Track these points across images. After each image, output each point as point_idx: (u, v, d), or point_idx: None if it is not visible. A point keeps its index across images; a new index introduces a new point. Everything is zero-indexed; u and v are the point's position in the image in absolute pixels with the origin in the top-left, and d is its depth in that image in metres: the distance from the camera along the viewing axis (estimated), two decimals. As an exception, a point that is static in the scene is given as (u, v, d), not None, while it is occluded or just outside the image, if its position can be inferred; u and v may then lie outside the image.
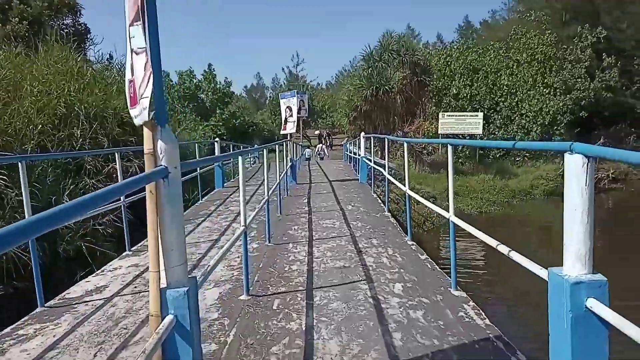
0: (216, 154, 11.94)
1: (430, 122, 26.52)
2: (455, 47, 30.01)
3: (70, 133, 9.99)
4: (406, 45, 21.23)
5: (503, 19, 51.81)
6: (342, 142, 48.40)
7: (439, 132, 25.11)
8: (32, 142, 8.74)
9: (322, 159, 29.34)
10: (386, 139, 8.82)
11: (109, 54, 22.65)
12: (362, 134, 11.91)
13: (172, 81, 38.34)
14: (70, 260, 7.99)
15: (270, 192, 6.32)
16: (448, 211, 4.10)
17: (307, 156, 28.99)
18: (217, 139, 11.88)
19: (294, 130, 11.77)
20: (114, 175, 10.19)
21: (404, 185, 6.24)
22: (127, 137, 11.24)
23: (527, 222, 17.86)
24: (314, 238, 6.18)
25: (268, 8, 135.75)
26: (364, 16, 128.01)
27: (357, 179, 12.39)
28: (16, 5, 19.56)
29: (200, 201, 9.97)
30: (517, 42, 30.16)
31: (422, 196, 6.70)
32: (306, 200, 9.36)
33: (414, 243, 5.81)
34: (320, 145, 35.05)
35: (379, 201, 9.14)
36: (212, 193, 11.15)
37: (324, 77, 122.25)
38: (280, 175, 8.49)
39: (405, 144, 6.41)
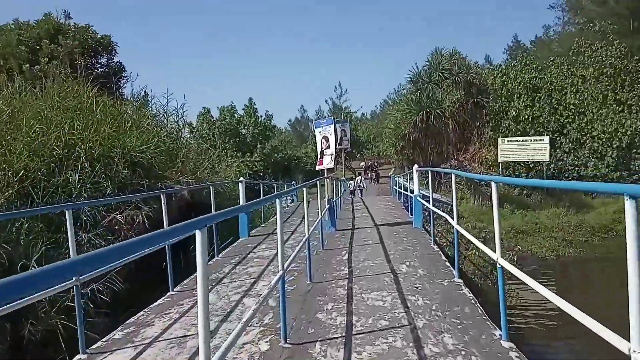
0: (240, 196, 10.12)
1: (487, 149, 23.95)
2: (511, 64, 27.43)
3: (66, 178, 8.45)
4: (459, 63, 19.05)
5: (557, 35, 48.76)
6: (390, 174, 46.41)
7: (499, 159, 22.49)
8: (8, 191, 7.21)
9: (361, 191, 26.55)
10: (453, 175, 6.61)
11: (144, 91, 21.89)
12: (415, 167, 9.77)
13: (212, 117, 37.73)
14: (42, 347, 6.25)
15: (294, 254, 4.98)
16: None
17: (351, 188, 27.61)
18: (241, 179, 10.07)
19: (332, 165, 9.83)
20: (116, 227, 8.57)
21: (493, 250, 4.07)
22: (136, 180, 9.63)
23: (611, 267, 14.85)
24: (354, 332, 4.07)
25: (307, 41, 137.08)
26: (406, 41, 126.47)
27: (410, 223, 10.17)
28: (46, 45, 19.04)
29: (216, 258, 8.06)
30: (580, 56, 27.28)
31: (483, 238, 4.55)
32: (346, 257, 7.25)
33: (512, 346, 3.61)
34: (360, 177, 32.79)
35: (442, 257, 6.90)
36: (234, 245, 9.24)
37: (368, 107, 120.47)
38: (310, 227, 6.48)
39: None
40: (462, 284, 5.40)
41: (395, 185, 17.81)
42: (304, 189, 5.99)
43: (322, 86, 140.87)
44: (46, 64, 18.65)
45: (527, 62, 27.33)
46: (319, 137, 8.96)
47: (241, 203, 10.12)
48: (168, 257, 6.19)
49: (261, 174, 22.65)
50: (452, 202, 5.69)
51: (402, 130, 23.80)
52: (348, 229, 10.14)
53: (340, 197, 14.89)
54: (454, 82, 19.13)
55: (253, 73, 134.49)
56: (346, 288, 5.49)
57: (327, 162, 9.02)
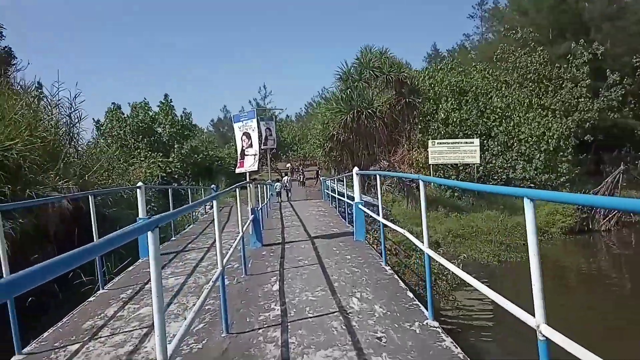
0: (139, 206, 8.02)
1: (418, 151, 23.29)
2: (437, 67, 27.13)
3: None
4: (389, 61, 17.99)
5: (476, 43, 50.30)
6: (315, 175, 45.10)
7: (430, 161, 21.87)
8: None
9: (287, 192, 26.17)
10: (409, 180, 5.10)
11: (38, 82, 18.64)
12: (355, 169, 8.24)
13: (123, 114, 34.24)
14: None
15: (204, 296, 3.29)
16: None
17: (277, 190, 26.28)
18: (140, 184, 7.96)
19: (255, 167, 8.02)
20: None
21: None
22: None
23: (550, 270, 14.41)
24: None
25: (231, 42, 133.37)
26: (329, 45, 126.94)
27: (351, 234, 8.65)
28: None
29: (101, 290, 5.97)
30: (504, 62, 27.63)
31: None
32: (277, 287, 5.52)
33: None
34: (286, 177, 31.51)
35: (401, 284, 5.39)
36: (129, 270, 7.14)
37: (292, 110, 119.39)
38: (226, 252, 4.72)
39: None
40: (439, 330, 3.88)
41: (327, 189, 16.35)
42: (214, 201, 4.23)
43: (245, 87, 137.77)
44: None
45: (453, 65, 27.21)
46: (238, 134, 7.33)
47: (140, 214, 8.03)
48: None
49: (176, 176, 20.18)
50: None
51: (330, 131, 22.51)
52: (277, 244, 8.40)
53: (266, 203, 13.10)
54: (385, 81, 18.04)
55: (171, 71, 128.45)
56: (279, 344, 3.77)
57: (250, 163, 7.33)
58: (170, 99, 36.24)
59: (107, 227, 9.06)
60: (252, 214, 7.91)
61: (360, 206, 8.01)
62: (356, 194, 8.20)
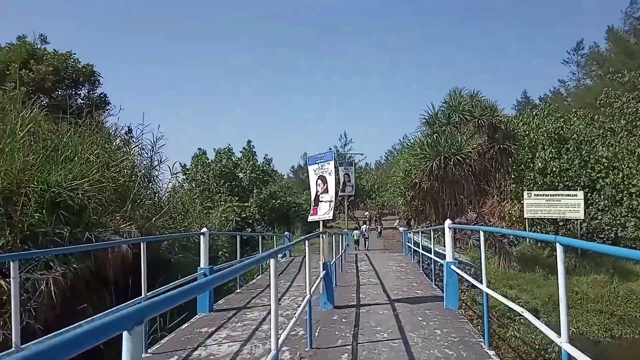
0: (201, 254, 7.24)
1: (511, 203, 21.20)
2: (533, 113, 25.08)
3: None
4: (481, 104, 16.55)
5: (571, 89, 47.01)
6: (395, 225, 43.33)
7: (525, 215, 19.70)
8: None
9: (365, 240, 27.32)
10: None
11: (128, 127, 19.45)
12: (448, 222, 6.93)
13: (208, 159, 35.31)
14: None
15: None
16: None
17: (355, 238, 27.40)
18: (204, 230, 7.21)
19: (330, 215, 7.00)
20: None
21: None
22: (52, 228, 6.84)
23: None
24: None
25: (314, 95, 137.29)
26: (413, 92, 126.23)
27: (439, 299, 7.26)
28: (14, 69, 16.74)
29: (144, 355, 5.10)
30: (608, 108, 24.99)
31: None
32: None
33: None
34: (365, 226, 31.37)
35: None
36: (182, 328, 6.27)
37: (372, 158, 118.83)
38: (295, 314, 3.68)
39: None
40: None
41: (409, 242, 14.94)
42: (271, 259, 3.24)
43: (326, 134, 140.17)
44: (11, 90, 16.37)
45: (550, 111, 25.03)
46: (313, 178, 6.59)
47: (202, 263, 7.24)
48: None
49: (251, 221, 19.72)
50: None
51: (412, 179, 21.18)
52: (351, 306, 7.19)
53: (341, 255, 11.97)
54: (476, 126, 16.58)
55: (254, 117, 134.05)
56: None
57: (324, 210, 6.46)
58: (253, 145, 36.98)
59: (171, 274, 8.41)
60: (323, 270, 6.85)
61: (453, 267, 6.65)
62: (448, 251, 6.86)
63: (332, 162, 7.21)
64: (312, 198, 7.28)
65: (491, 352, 4.73)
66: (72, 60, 21.17)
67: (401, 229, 37.75)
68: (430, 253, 9.09)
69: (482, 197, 20.53)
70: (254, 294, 8.61)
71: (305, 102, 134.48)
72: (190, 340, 5.60)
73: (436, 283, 9.02)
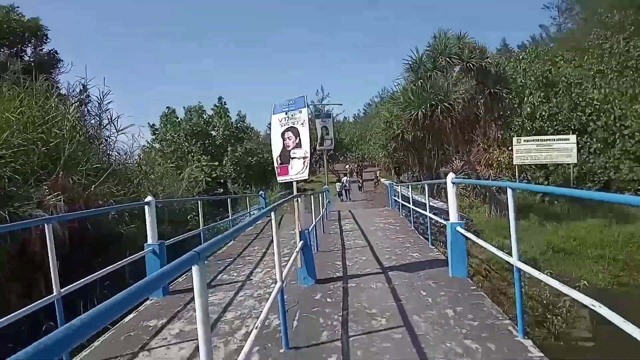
0: (148, 228, 5.83)
1: (500, 150, 20.18)
2: (521, 56, 23.70)
3: None
4: (470, 46, 15.03)
5: (552, 35, 45.58)
6: (375, 176, 42.32)
7: (515, 162, 18.69)
8: None
9: (347, 192, 27.89)
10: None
11: (82, 85, 17.44)
12: (451, 176, 5.62)
13: (177, 118, 33.28)
14: None
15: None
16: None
17: (338, 190, 28.01)
18: (149, 199, 5.73)
19: (305, 175, 5.65)
20: None
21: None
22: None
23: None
24: None
25: (289, 43, 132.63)
26: (390, 46, 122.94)
27: (442, 263, 6.10)
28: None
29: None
30: (597, 49, 23.75)
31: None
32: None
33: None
34: (345, 178, 31.26)
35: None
36: (128, 319, 4.94)
37: (351, 112, 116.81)
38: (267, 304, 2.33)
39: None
40: None
41: (396, 196, 13.76)
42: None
43: (302, 89, 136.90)
44: None
45: (538, 54, 23.66)
46: (277, 129, 5.27)
47: (149, 238, 5.85)
48: None
49: (222, 180, 18.07)
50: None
51: (394, 130, 19.94)
52: (337, 279, 5.96)
53: (323, 215, 10.71)
54: (464, 70, 15.12)
55: (224, 73, 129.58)
56: None
57: (298, 169, 5.26)
58: (224, 102, 34.95)
59: (119, 250, 7.03)
60: (300, 240, 5.56)
61: (459, 229, 5.41)
62: (452, 210, 5.61)
63: (304, 110, 5.75)
64: (277, 154, 5.88)
65: (528, 343, 3.55)
66: (14, 14, 18.87)
67: (384, 180, 36.82)
68: (425, 209, 7.85)
69: (467, 145, 19.46)
70: (220, 267, 7.31)
71: (281, 56, 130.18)
72: (131, 341, 4.30)
73: (433, 243, 7.85)
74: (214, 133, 33.33)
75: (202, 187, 16.33)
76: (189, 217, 13.11)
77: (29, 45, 19.33)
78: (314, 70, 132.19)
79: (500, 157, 19.81)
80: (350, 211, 14.53)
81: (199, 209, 8.28)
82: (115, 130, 11.33)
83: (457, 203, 5.68)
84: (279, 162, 5.97)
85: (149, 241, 5.86)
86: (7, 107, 7.22)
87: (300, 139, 5.68)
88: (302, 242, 5.59)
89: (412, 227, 9.82)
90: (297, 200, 5.73)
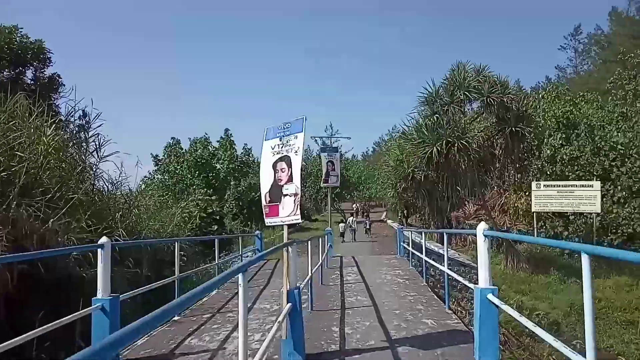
0: (99, 276, 4.62)
1: (517, 195, 18.92)
2: (540, 95, 22.75)
3: None
4: (490, 80, 14.00)
5: (569, 77, 44.88)
6: (382, 217, 40.91)
7: (533, 209, 17.40)
8: None
9: (353, 232, 26.71)
10: None
11: (82, 111, 16.66)
12: (483, 227, 4.42)
13: (182, 149, 32.52)
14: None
15: None
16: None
17: (341, 230, 27.12)
18: (104, 241, 4.55)
19: (297, 217, 4.48)
20: None
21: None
22: None
23: None
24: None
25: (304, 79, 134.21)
26: (400, 91, 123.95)
27: (461, 336, 4.82)
28: None
29: None
30: (620, 90, 22.79)
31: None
32: None
33: None
34: (351, 218, 30.29)
35: None
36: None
37: (359, 149, 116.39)
38: None
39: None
40: None
41: (404, 242, 12.49)
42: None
43: (311, 127, 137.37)
44: None
45: (559, 93, 22.72)
46: (269, 158, 4.42)
47: (99, 291, 4.61)
48: None
49: (217, 217, 16.87)
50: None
51: (405, 169, 18.74)
52: (332, 354, 4.67)
53: (322, 263, 9.43)
54: (484, 105, 14.06)
55: (231, 104, 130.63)
56: None
57: (290, 209, 4.25)
58: (231, 134, 34.22)
59: (80, 297, 5.80)
60: (288, 301, 4.34)
61: (491, 297, 4.16)
62: (483, 273, 4.34)
63: (300, 136, 4.62)
64: (266, 190, 4.73)
65: None
66: (17, 35, 18.37)
67: (391, 222, 35.41)
68: (442, 263, 6.56)
69: (482, 188, 18.21)
70: (193, 325, 6.03)
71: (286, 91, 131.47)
72: None
73: (450, 306, 6.56)
74: (218, 166, 32.45)
75: (196, 224, 15.13)
76: (180, 261, 11.82)
77: (30, 67, 18.72)
78: (323, 102, 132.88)
79: (517, 202, 18.51)
80: (353, 257, 13.21)
81: (176, 252, 7.06)
82: (98, 158, 10.29)
83: (489, 262, 4.43)
84: (268, 199, 4.81)
85: (99, 294, 4.65)
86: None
87: (292, 171, 4.53)
88: (289, 305, 4.36)
89: (424, 282, 8.51)
90: (287, 250, 4.53)
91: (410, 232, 12.30)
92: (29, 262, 5.88)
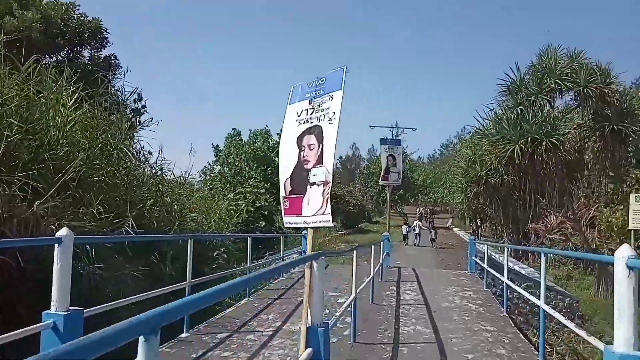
0: (54, 280, 3.36)
1: (611, 208, 16.24)
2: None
3: None
4: (587, 68, 11.67)
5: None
6: (448, 224, 38.34)
7: (630, 225, 14.68)
8: None
9: (417, 235, 25.71)
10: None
11: (138, 94, 16.15)
12: (626, 250, 2.76)
13: (242, 141, 31.94)
14: None
15: None
16: None
17: (404, 233, 26.08)
18: (62, 234, 3.32)
19: (328, 220, 2.95)
20: None
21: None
22: None
23: None
24: None
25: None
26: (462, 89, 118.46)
27: None
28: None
29: None
30: None
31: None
32: None
33: None
34: (417, 222, 28.84)
35: None
36: None
37: (425, 151, 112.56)
38: None
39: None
40: None
41: (478, 257, 10.57)
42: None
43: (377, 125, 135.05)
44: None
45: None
46: (293, 131, 3.27)
47: (53, 303, 3.34)
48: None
49: (265, 212, 15.59)
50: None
51: (478, 171, 16.56)
52: None
53: (372, 278, 7.77)
54: (579, 97, 11.79)
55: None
56: None
57: (317, 206, 3.09)
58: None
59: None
60: (307, 346, 2.83)
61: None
62: (624, 332, 2.60)
63: (338, 95, 3.06)
64: (287, 175, 3.23)
65: None
66: (74, 13, 18.08)
67: (457, 230, 32.89)
68: (539, 298, 4.72)
69: (568, 197, 15.68)
70: (210, 341, 4.67)
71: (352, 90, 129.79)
72: None
73: (538, 346, 4.74)
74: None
75: (242, 218, 13.95)
76: (215, 254, 10.65)
77: (87, 47, 18.45)
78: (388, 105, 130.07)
79: (611, 217, 15.81)
80: (414, 270, 11.42)
81: (189, 251, 5.70)
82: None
83: (636, 308, 2.67)
84: (289, 189, 3.31)
85: (52, 308, 3.36)
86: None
87: (322, 148, 3.00)
88: (309, 351, 2.85)
89: (504, 312, 6.65)
90: (311, 267, 3.01)
91: (485, 246, 10.28)
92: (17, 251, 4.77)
